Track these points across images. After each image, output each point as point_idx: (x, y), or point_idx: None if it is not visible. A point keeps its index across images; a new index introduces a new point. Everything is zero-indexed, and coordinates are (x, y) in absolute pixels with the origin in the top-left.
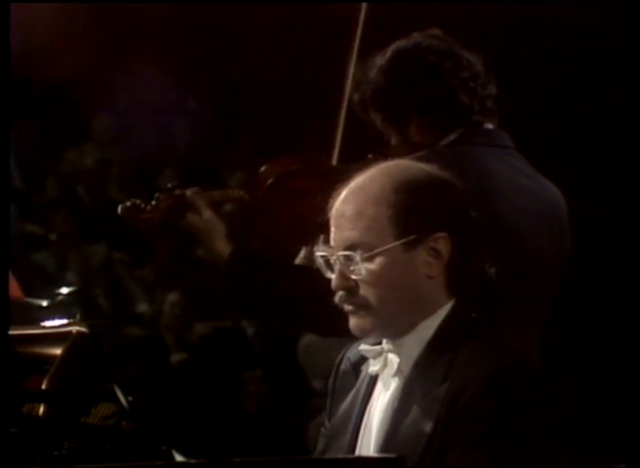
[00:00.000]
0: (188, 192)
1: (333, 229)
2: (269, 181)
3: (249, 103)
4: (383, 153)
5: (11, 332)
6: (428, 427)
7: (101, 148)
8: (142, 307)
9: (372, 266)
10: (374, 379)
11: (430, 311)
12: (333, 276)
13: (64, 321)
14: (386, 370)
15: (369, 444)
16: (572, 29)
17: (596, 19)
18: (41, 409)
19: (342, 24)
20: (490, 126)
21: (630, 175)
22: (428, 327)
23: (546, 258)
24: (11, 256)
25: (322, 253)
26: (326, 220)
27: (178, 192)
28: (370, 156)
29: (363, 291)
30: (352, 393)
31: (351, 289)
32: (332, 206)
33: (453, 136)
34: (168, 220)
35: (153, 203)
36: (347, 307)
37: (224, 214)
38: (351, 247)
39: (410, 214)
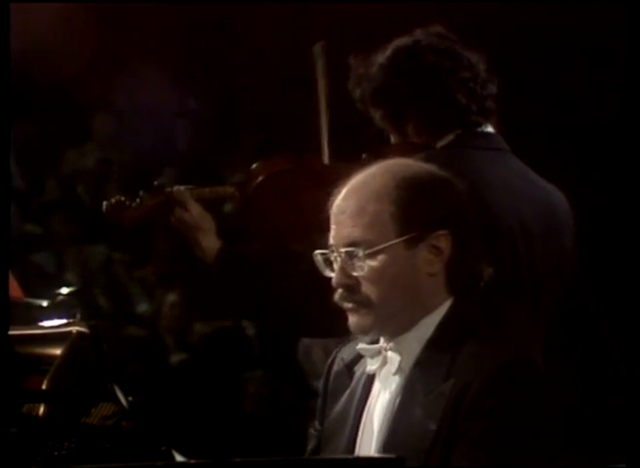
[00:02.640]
0: (176, 189)
1: (333, 226)
2: (259, 180)
3: (249, 104)
4: (378, 153)
5: (11, 332)
6: (434, 425)
7: (101, 148)
8: (142, 307)
9: (374, 263)
10: (370, 379)
11: (430, 308)
12: (332, 274)
13: (64, 321)
14: (385, 369)
15: (370, 443)
16: (573, 29)
17: (597, 18)
18: (41, 409)
19: (341, 24)
20: (488, 127)
21: (630, 175)
22: (429, 324)
23: (544, 260)
24: (11, 256)
25: (322, 251)
26: (326, 218)
27: (165, 190)
28: (364, 156)
29: (364, 288)
30: (347, 394)
31: (352, 286)
32: (332, 203)
33: (449, 138)
34: (154, 217)
35: (138, 200)
36: (347, 305)
37: (216, 211)
38: (353, 243)
39: (412, 211)
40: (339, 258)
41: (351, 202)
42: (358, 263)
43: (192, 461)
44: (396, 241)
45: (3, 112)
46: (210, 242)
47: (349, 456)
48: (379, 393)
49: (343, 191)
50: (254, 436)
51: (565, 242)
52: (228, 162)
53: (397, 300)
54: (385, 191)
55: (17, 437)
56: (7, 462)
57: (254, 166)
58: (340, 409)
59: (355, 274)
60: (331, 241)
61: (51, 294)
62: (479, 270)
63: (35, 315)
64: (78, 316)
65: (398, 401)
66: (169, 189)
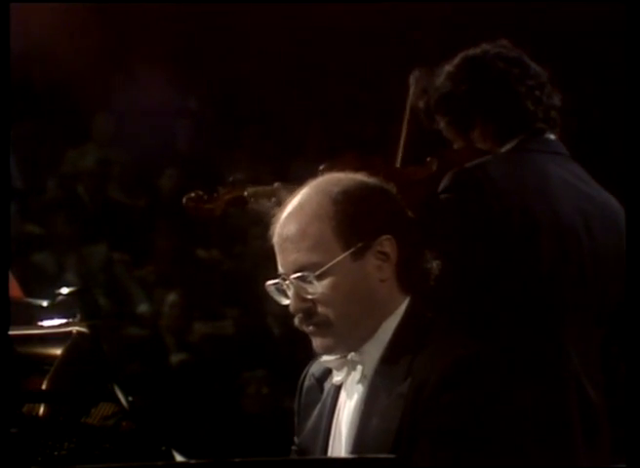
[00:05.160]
0: (250, 189)
1: (278, 255)
2: None
3: (249, 103)
4: (444, 157)
5: (11, 332)
6: (394, 424)
7: (101, 148)
8: (142, 307)
9: (326, 282)
10: (338, 390)
11: (388, 313)
12: (287, 301)
13: (64, 321)
14: (350, 378)
15: (339, 452)
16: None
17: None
18: (41, 409)
19: (342, 23)
20: (551, 135)
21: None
22: (387, 329)
23: (605, 260)
24: (11, 256)
25: (273, 281)
26: (270, 247)
27: (238, 185)
28: (429, 159)
29: (321, 309)
30: (318, 407)
31: (309, 309)
32: (273, 231)
33: (513, 143)
34: (228, 210)
35: (215, 195)
36: (308, 329)
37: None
38: (301, 268)
39: (352, 222)
40: (291, 285)
41: (292, 227)
42: (311, 286)
43: (192, 461)
44: (343, 256)
45: (3, 112)
46: None
47: (349, 456)
48: (345, 402)
49: (282, 218)
50: (254, 436)
51: (623, 244)
52: (228, 162)
53: (355, 313)
54: (323, 210)
55: (17, 437)
56: (7, 462)
57: (323, 166)
58: (312, 423)
59: (310, 297)
60: (280, 269)
61: (51, 294)
62: (427, 267)
63: (35, 315)
64: (78, 316)
65: (363, 406)
66: (242, 185)
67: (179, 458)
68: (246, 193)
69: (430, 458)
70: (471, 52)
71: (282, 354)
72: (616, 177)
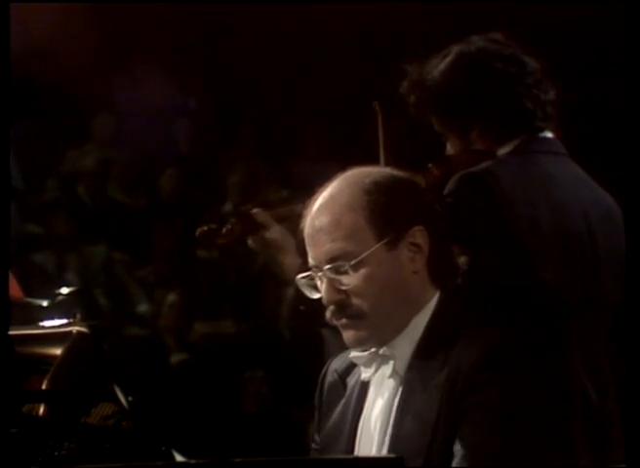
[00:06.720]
0: (256, 211)
1: (310, 247)
2: None
3: (249, 103)
4: (445, 162)
5: (11, 332)
6: (433, 416)
7: (101, 148)
8: (142, 307)
9: (361, 272)
10: (364, 386)
11: (419, 307)
12: (318, 295)
13: (64, 321)
14: (379, 374)
15: (369, 449)
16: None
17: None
18: (41, 409)
19: (344, 26)
20: (548, 133)
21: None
22: (418, 323)
23: (607, 262)
24: (11, 256)
25: (304, 275)
26: (300, 241)
27: (247, 213)
28: (430, 165)
29: (355, 300)
30: (342, 404)
31: (342, 300)
32: (303, 224)
33: (514, 144)
34: (242, 240)
35: (229, 227)
36: (341, 321)
37: (291, 229)
38: (336, 258)
39: (385, 212)
40: (324, 277)
41: (324, 218)
42: (345, 276)
43: (192, 461)
44: (378, 245)
45: (3, 112)
46: (290, 260)
47: (349, 456)
48: (374, 398)
49: (313, 211)
50: (254, 436)
51: (623, 246)
52: (228, 162)
53: (389, 304)
54: (355, 200)
55: (17, 437)
56: (7, 462)
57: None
58: (335, 420)
59: (344, 288)
60: (311, 262)
61: (51, 294)
62: (456, 261)
63: (35, 315)
64: (78, 316)
65: (396, 403)
66: (250, 212)
67: (179, 458)
68: (259, 220)
69: (483, 431)
70: (466, 49)
71: (282, 354)
72: (614, 176)
